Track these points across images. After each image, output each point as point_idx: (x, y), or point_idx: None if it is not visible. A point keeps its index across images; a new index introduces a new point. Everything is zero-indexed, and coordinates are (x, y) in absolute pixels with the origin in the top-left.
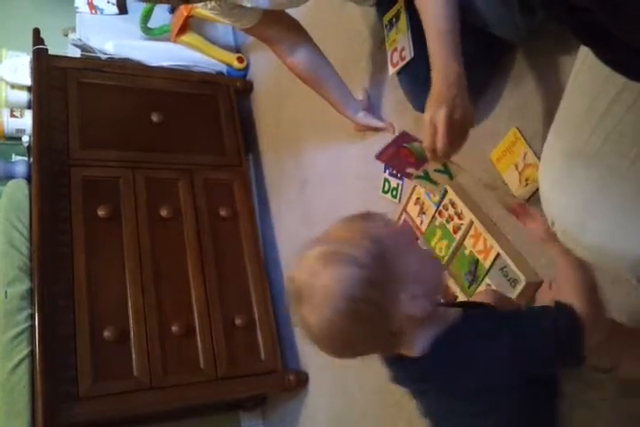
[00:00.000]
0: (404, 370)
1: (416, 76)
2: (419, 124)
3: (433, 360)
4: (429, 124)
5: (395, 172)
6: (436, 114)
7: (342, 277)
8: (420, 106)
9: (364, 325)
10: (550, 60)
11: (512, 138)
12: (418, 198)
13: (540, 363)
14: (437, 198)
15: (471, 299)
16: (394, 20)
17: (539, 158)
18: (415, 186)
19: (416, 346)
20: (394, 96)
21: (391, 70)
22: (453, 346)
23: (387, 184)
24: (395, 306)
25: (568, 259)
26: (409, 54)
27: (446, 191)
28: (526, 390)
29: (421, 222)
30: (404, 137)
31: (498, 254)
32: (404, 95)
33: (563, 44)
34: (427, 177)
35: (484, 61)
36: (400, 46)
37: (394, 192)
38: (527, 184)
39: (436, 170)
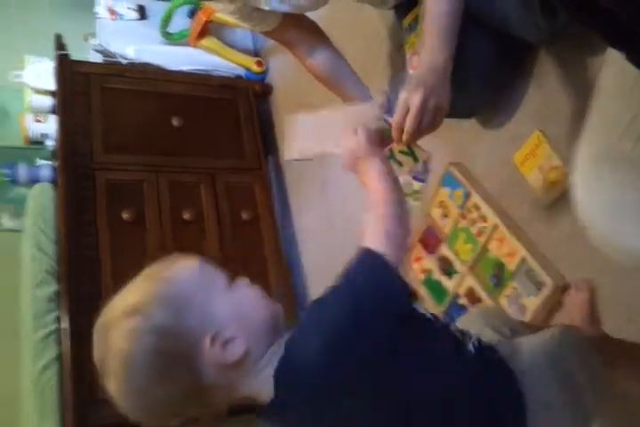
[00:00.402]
0: (269, 420)
1: None
2: (441, 127)
3: (282, 401)
4: (403, 104)
5: None
6: (411, 96)
7: (127, 333)
8: None
9: (166, 381)
10: (573, 61)
11: (535, 141)
12: (441, 201)
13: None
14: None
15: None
16: (413, 23)
17: (563, 161)
18: (438, 190)
19: (261, 390)
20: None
21: (412, 74)
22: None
23: (409, 187)
24: (200, 355)
25: None
26: None
27: (469, 194)
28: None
29: (444, 225)
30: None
31: (523, 258)
32: None
33: (586, 44)
34: (391, 157)
35: (506, 62)
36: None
37: (416, 195)
38: (552, 187)
39: (400, 151)
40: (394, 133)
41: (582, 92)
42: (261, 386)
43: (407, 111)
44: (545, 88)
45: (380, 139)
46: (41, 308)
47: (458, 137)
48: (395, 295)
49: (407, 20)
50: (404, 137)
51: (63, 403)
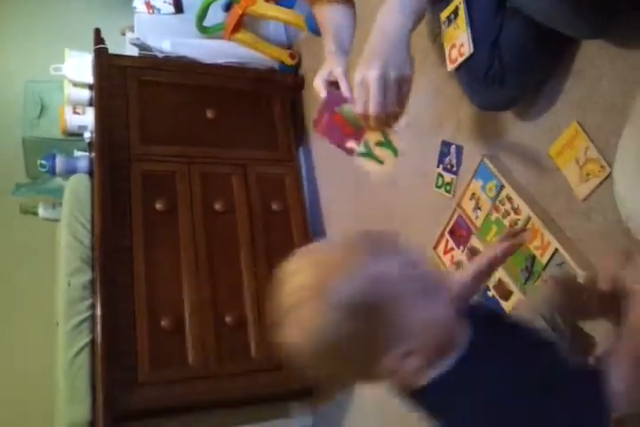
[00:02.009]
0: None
1: (475, 72)
2: (474, 119)
3: (431, 400)
4: (360, 85)
5: (337, 147)
6: (366, 74)
7: (321, 321)
8: (479, 101)
9: (344, 367)
10: (613, 53)
11: (572, 132)
12: (473, 193)
13: None
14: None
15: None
16: (452, 16)
17: (600, 153)
18: (470, 182)
19: (415, 380)
20: (449, 91)
21: (450, 66)
22: (449, 395)
23: (440, 179)
24: (379, 365)
25: None
26: (468, 50)
27: (503, 186)
28: None
29: (477, 217)
30: (332, 99)
31: (556, 250)
32: (463, 91)
33: (629, 36)
34: (370, 153)
35: (545, 54)
36: (459, 42)
37: (447, 187)
38: (588, 179)
39: (377, 143)
40: (362, 121)
41: (623, 85)
42: (419, 378)
43: (366, 92)
44: (585, 80)
45: (351, 128)
46: (75, 295)
47: (492, 128)
48: None
49: (445, 14)
50: (372, 122)
51: (94, 388)
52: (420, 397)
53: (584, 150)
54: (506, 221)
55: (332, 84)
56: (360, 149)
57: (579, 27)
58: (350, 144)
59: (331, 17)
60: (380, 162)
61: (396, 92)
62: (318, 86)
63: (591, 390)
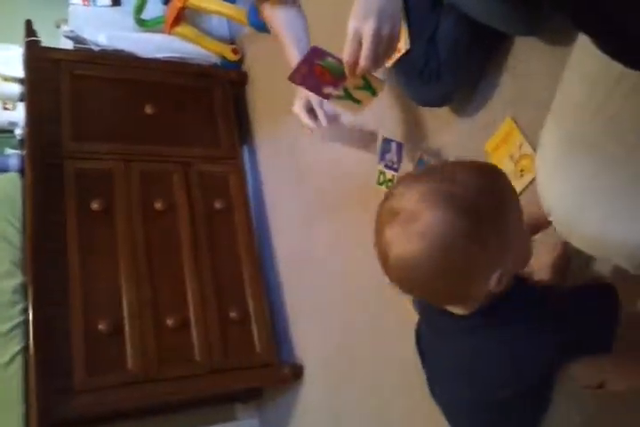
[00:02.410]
0: (438, 319)
1: (412, 69)
2: (414, 116)
3: (477, 324)
4: (354, 36)
5: (312, 92)
6: (362, 26)
7: (454, 225)
8: (416, 97)
9: (448, 279)
10: (547, 50)
11: (507, 128)
12: None
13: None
14: (360, 112)
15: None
16: None
17: (534, 149)
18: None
19: (468, 309)
20: (389, 88)
21: (387, 62)
22: (500, 319)
23: (382, 176)
24: (484, 277)
25: None
26: (405, 46)
27: None
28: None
29: None
30: (316, 53)
31: None
32: (400, 88)
33: (560, 33)
34: (348, 95)
35: (480, 50)
36: None
37: (389, 184)
38: (522, 175)
39: (356, 87)
40: (347, 69)
41: (555, 80)
42: (474, 306)
43: (359, 44)
44: (518, 76)
45: (331, 77)
46: (6, 300)
47: (430, 125)
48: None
49: None
50: (360, 70)
51: (28, 396)
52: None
53: (518, 146)
54: None
55: (312, 112)
56: (338, 93)
57: (512, 24)
58: (328, 90)
59: (287, 21)
60: (358, 102)
61: (388, 48)
62: (299, 114)
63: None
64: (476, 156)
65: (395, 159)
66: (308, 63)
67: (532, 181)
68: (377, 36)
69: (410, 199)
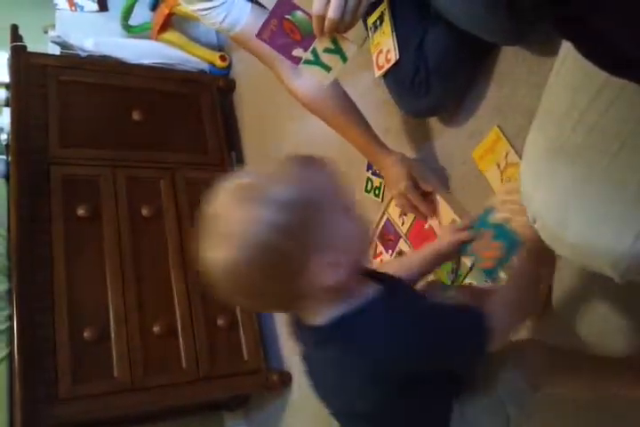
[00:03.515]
0: (301, 332)
1: (402, 79)
2: (402, 125)
3: (329, 336)
4: None
5: (280, 54)
6: None
7: (258, 219)
8: (406, 108)
9: (269, 278)
10: (530, 59)
11: (494, 137)
12: None
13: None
14: (328, 82)
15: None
16: (378, 22)
17: (520, 157)
18: None
19: (318, 317)
20: (377, 97)
21: (377, 73)
22: (353, 330)
23: (369, 183)
24: (306, 269)
25: None
26: (394, 56)
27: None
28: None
29: (403, 224)
30: (286, 4)
31: None
32: (391, 97)
33: (546, 43)
34: (317, 61)
35: (468, 61)
36: (385, 49)
37: (376, 191)
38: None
39: (325, 50)
40: (315, 23)
41: (541, 90)
42: (323, 313)
43: None
44: (505, 85)
45: (300, 35)
46: None
47: (419, 134)
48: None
49: (371, 19)
50: (327, 25)
51: (12, 404)
52: (311, 331)
53: (505, 155)
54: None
55: None
56: (307, 56)
57: (497, 33)
58: (296, 52)
59: (331, 96)
60: (327, 69)
61: (357, 3)
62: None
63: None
64: (463, 164)
65: None
66: (276, 16)
67: (519, 190)
68: None
69: (215, 201)
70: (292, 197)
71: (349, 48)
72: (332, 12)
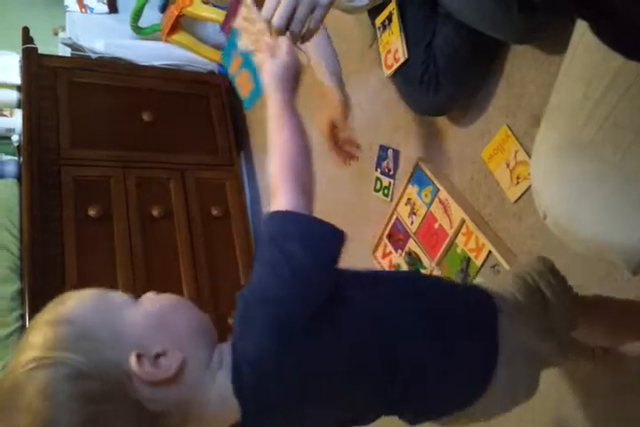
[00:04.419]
0: None
1: (411, 78)
2: (411, 124)
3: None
4: None
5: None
6: None
7: (43, 388)
8: (415, 106)
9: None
10: (540, 58)
11: (503, 136)
12: (409, 199)
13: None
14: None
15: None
16: (386, 22)
17: (530, 156)
18: (406, 187)
19: (224, 406)
20: (385, 97)
21: (386, 72)
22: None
23: (378, 183)
24: (130, 382)
25: None
26: (403, 56)
27: (438, 190)
28: None
29: (412, 223)
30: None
31: (490, 252)
32: (400, 96)
33: (555, 41)
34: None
35: (478, 60)
36: (394, 48)
37: (385, 191)
38: (518, 182)
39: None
40: (268, 29)
41: (549, 89)
42: (223, 400)
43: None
44: (514, 85)
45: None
46: (3, 306)
47: (428, 133)
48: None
49: (380, 19)
50: (272, 31)
51: None
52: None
53: (514, 154)
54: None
55: None
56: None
57: (506, 31)
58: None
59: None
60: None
61: (307, 13)
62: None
63: None
64: (472, 164)
65: (391, 166)
66: (234, 11)
67: (528, 189)
68: None
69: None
70: (62, 345)
71: (302, 58)
72: (275, 20)
